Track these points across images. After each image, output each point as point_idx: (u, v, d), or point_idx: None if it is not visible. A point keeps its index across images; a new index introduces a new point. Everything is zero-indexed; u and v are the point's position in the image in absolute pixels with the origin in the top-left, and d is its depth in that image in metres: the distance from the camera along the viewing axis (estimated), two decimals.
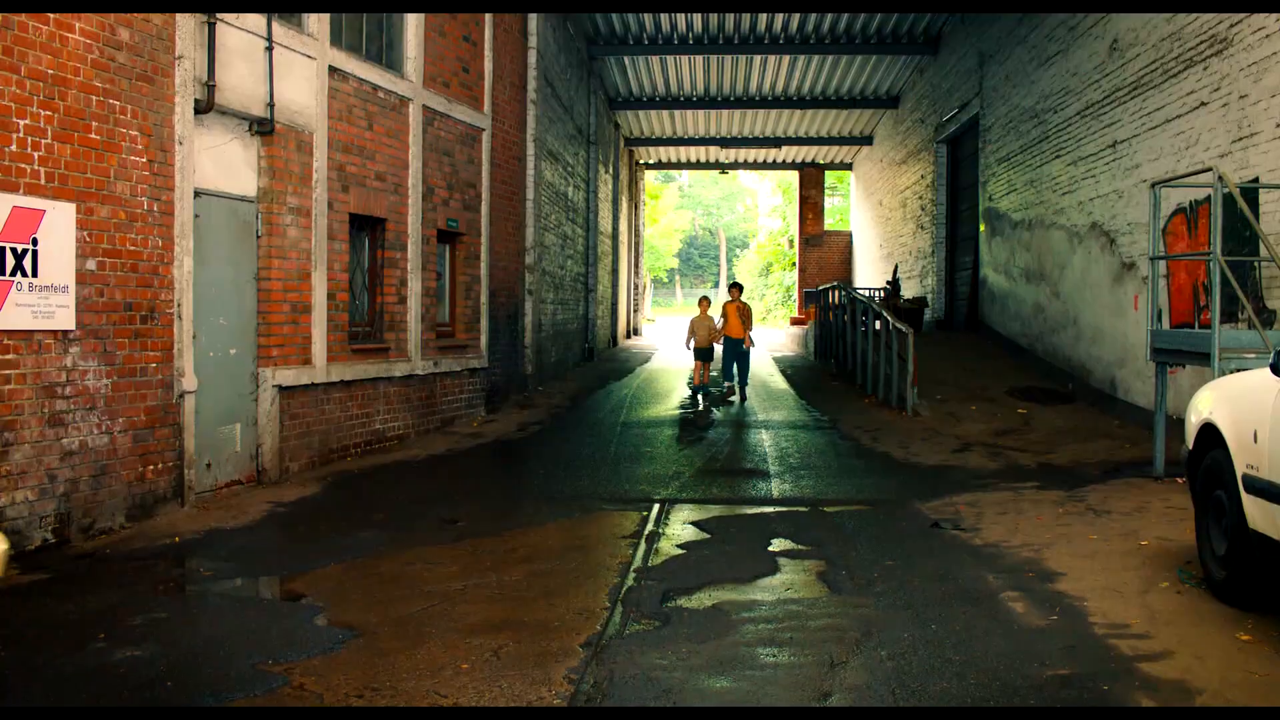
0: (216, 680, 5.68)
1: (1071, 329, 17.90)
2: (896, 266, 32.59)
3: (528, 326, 19.38)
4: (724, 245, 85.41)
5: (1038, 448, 13.72)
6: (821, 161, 45.54)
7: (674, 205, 78.17)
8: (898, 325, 17.18)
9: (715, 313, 20.82)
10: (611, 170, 33.97)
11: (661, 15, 25.95)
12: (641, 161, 45.80)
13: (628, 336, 39.78)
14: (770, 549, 8.75)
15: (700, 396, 19.57)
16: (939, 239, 28.25)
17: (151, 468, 9.67)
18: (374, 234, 13.73)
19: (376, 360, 13.50)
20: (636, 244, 45.16)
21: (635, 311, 42.60)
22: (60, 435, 8.64)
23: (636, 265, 44.91)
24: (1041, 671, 5.76)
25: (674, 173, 65.55)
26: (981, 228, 23.91)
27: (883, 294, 30.04)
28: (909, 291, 30.68)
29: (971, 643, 6.24)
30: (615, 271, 35.08)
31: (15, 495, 8.20)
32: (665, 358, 29.01)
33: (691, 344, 20.17)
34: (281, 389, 11.62)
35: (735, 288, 20.40)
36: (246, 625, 6.72)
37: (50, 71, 8.49)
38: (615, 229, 35.20)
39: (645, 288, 51.87)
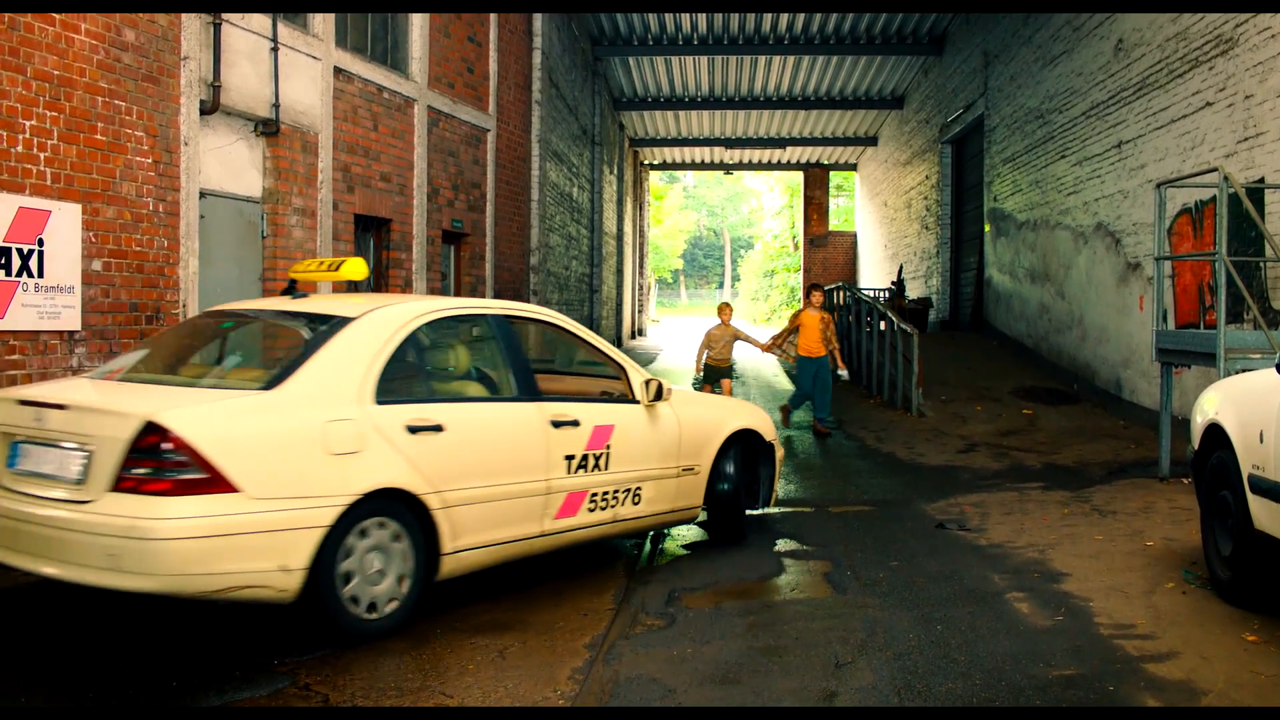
0: (222, 680, 5.68)
1: (1076, 329, 17.89)
2: (901, 267, 32.60)
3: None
4: (729, 246, 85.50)
5: (1043, 448, 13.72)
6: (826, 162, 45.61)
7: (678, 206, 78.21)
8: (902, 326, 17.17)
9: (736, 322, 16.99)
10: (616, 171, 33.99)
11: (666, 15, 25.99)
12: (646, 162, 45.84)
13: (632, 337, 39.80)
14: (775, 549, 8.74)
15: None
16: (944, 239, 28.25)
17: None
18: (379, 235, 13.74)
19: None
20: (641, 245, 45.19)
21: (640, 312, 42.64)
22: None
23: (641, 266, 44.95)
24: (1047, 672, 5.75)
25: (678, 173, 65.55)
26: (986, 228, 23.91)
27: (887, 294, 30.07)
28: (914, 292, 30.68)
29: (977, 643, 6.24)
30: (620, 272, 35.10)
31: None
32: (670, 358, 29.02)
33: (704, 360, 15.34)
34: None
35: (815, 290, 15.73)
36: (251, 624, 6.72)
37: (56, 72, 8.50)
38: (620, 230, 35.21)
39: (650, 288, 51.94)
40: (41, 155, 8.40)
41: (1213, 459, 7.37)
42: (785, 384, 22.25)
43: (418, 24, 14.49)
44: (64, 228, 8.60)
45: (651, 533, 8.97)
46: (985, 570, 7.95)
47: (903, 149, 33.83)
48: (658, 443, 8.13)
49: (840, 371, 15.33)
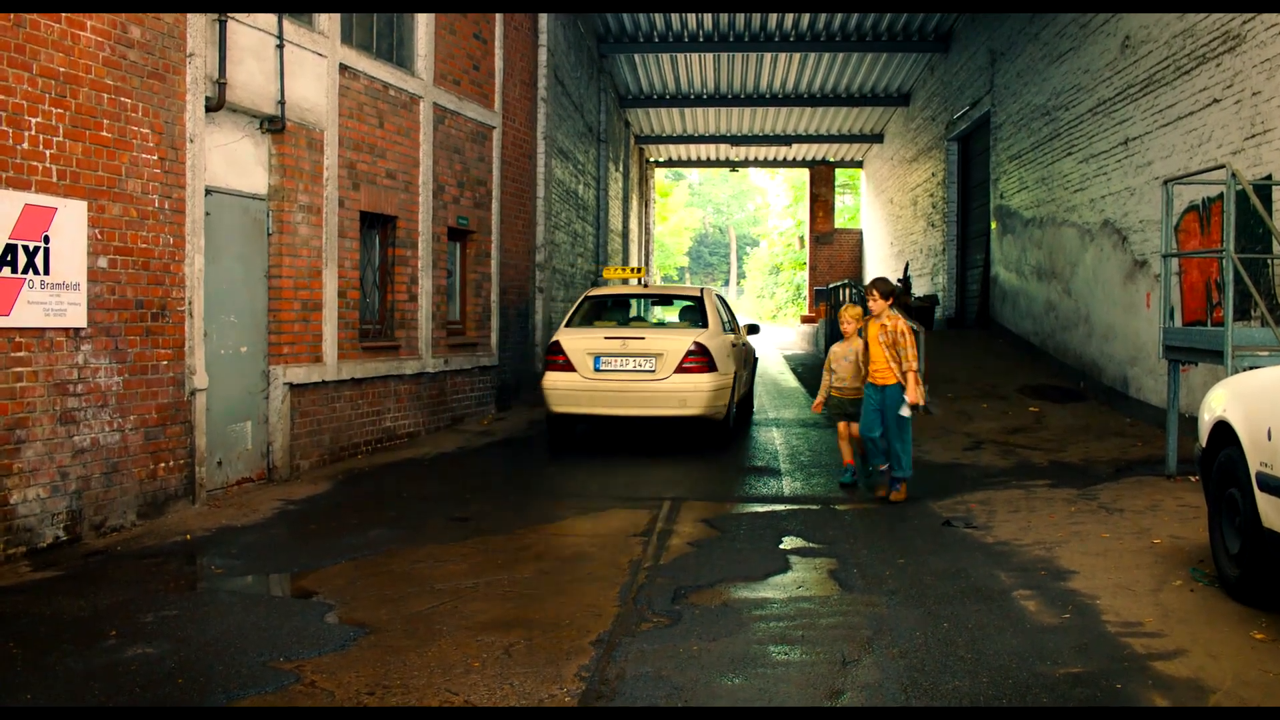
0: (228, 677, 5.68)
1: (1083, 327, 17.85)
2: (907, 264, 32.54)
3: (538, 324, 19.38)
4: (734, 243, 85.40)
5: (1049, 445, 13.69)
6: (832, 159, 45.55)
7: (684, 203, 78.12)
8: (909, 323, 17.10)
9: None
10: (621, 168, 33.95)
11: (672, 13, 25.95)
12: (651, 159, 45.81)
13: None
14: (781, 546, 8.73)
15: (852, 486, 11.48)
16: (950, 237, 28.20)
17: (163, 465, 9.68)
18: (385, 232, 13.73)
19: (387, 358, 13.50)
20: (647, 242, 45.17)
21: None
22: (72, 433, 8.65)
23: (647, 263, 44.90)
24: (1054, 670, 5.74)
25: (684, 170, 65.50)
26: (993, 225, 23.86)
27: None
28: (919, 289, 30.63)
29: (984, 641, 6.22)
30: None
31: (27, 492, 8.22)
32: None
33: (829, 390, 11.72)
34: (292, 387, 11.63)
35: (875, 292, 10.88)
36: (257, 622, 6.72)
37: (62, 69, 8.49)
38: (625, 227, 35.18)
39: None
40: (47, 152, 8.39)
41: (1221, 456, 7.35)
42: (791, 382, 22.21)
43: (423, 21, 14.46)
44: (70, 225, 8.59)
45: (660, 529, 8.94)
46: (992, 568, 7.93)
47: (908, 146, 33.77)
48: (749, 356, 15.29)
49: (917, 402, 10.57)
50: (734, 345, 14.17)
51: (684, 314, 14.93)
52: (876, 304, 10.79)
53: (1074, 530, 9.08)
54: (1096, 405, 16.37)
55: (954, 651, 6.04)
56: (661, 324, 15.09)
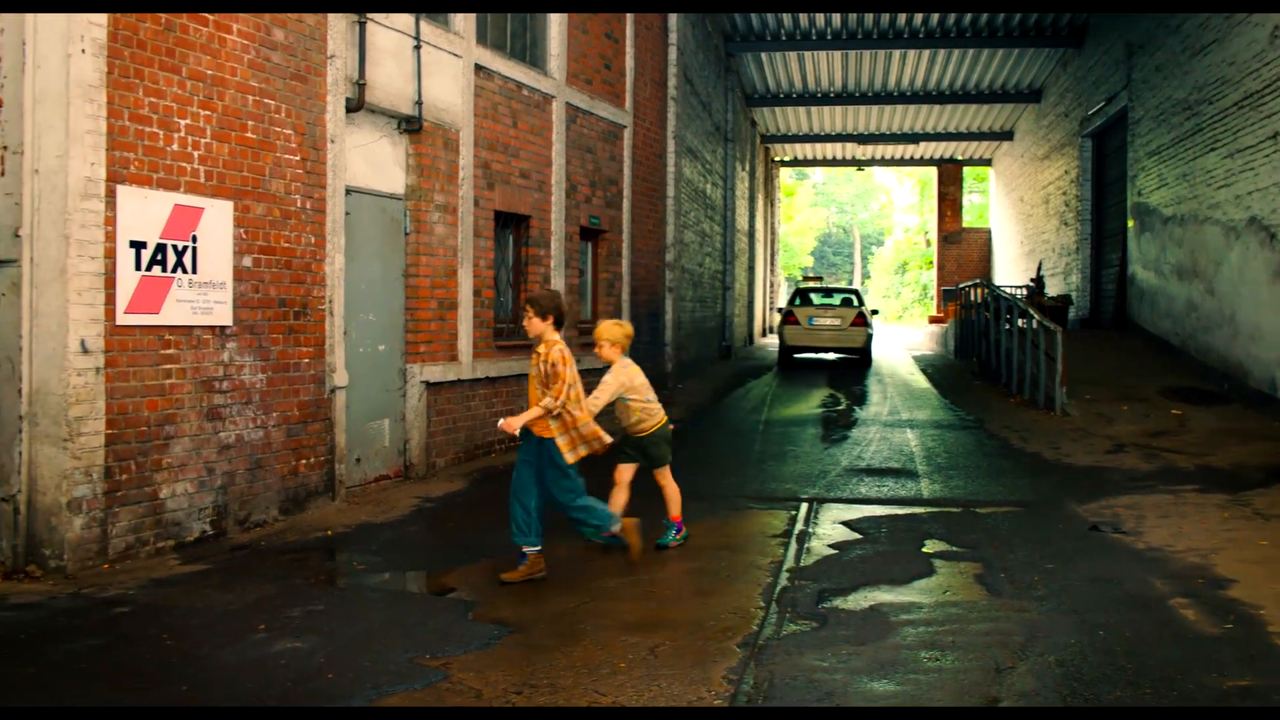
0: (376, 674, 5.70)
1: (1227, 327, 17.31)
2: (1040, 264, 31.91)
3: (668, 324, 19.34)
4: (859, 243, 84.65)
5: (1194, 449, 13.26)
6: (960, 157, 44.90)
7: (809, 203, 77.58)
8: (1045, 323, 16.77)
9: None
10: (748, 167, 33.80)
11: (800, 12, 25.79)
12: (777, 159, 45.55)
13: (763, 334, 39.61)
14: (924, 550, 8.56)
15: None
16: (1084, 235, 27.59)
17: (304, 462, 9.81)
18: (518, 231, 13.79)
19: (520, 357, 13.54)
20: (772, 242, 44.95)
21: (771, 309, 42.38)
22: (218, 429, 8.80)
23: (772, 263, 44.73)
24: (1221, 682, 5.52)
25: (807, 170, 65.08)
26: (1130, 223, 23.26)
27: (1026, 292, 29.45)
28: (1053, 289, 30.03)
29: (1143, 650, 6.01)
30: (751, 269, 34.94)
31: (175, 487, 8.37)
32: (800, 355, 28.78)
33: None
34: (428, 385, 11.72)
35: (530, 309, 7.86)
36: (400, 619, 6.76)
37: (209, 72, 8.64)
38: (751, 227, 35.04)
39: (780, 286, 51.63)
40: (195, 154, 8.54)
41: None
42: (922, 382, 21.91)
43: (556, 21, 14.50)
44: (216, 224, 8.74)
45: (799, 531, 8.84)
46: (1145, 575, 7.68)
47: (1040, 143, 33.13)
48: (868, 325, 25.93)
49: (564, 456, 7.78)
50: (871, 316, 25.49)
51: (843, 300, 27.18)
52: (533, 325, 7.81)
53: (1229, 537, 8.77)
54: (1242, 408, 15.84)
55: (1112, 660, 5.85)
56: (838, 304, 26.60)
